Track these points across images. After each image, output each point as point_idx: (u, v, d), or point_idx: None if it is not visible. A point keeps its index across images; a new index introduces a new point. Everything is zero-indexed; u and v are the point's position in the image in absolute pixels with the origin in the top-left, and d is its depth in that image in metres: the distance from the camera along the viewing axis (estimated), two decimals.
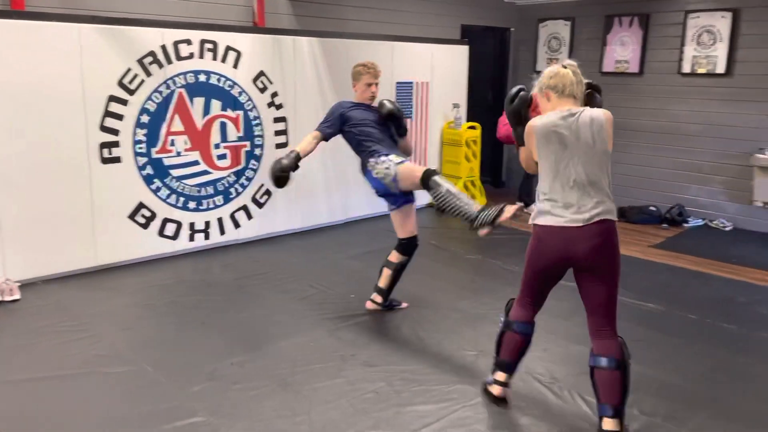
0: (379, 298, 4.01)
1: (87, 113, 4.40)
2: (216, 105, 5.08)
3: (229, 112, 5.17)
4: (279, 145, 5.53)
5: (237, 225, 5.39)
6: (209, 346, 3.48)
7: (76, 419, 2.76)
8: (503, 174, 8.35)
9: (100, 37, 4.39)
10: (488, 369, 3.27)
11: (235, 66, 5.14)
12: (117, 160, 4.60)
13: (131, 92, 4.59)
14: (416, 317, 3.92)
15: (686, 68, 6.63)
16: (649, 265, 5.21)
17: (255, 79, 5.29)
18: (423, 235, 5.88)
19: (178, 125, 4.88)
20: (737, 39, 6.29)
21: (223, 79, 5.08)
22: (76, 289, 4.27)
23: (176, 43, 4.76)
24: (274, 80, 5.41)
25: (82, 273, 4.55)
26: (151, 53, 4.65)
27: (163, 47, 4.70)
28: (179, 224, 5.01)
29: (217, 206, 5.23)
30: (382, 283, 3.97)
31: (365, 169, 3.80)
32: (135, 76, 4.58)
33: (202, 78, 4.96)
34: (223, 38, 5.04)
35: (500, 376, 2.94)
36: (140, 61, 4.60)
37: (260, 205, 5.52)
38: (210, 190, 5.15)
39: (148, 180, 4.78)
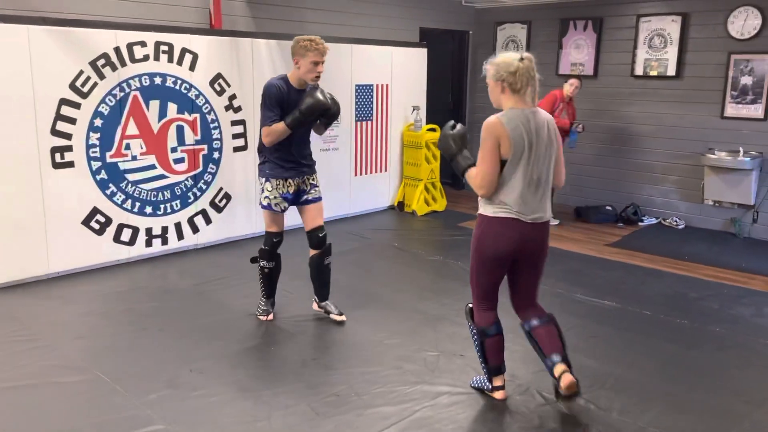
0: (316, 297, 4.00)
1: (37, 117, 4.28)
2: (172, 108, 4.99)
3: (186, 115, 5.09)
4: (237, 149, 5.48)
5: (196, 230, 5.31)
6: (167, 354, 3.42)
7: (30, 431, 2.68)
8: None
9: (50, 39, 4.27)
10: (448, 369, 3.31)
11: (192, 68, 5.07)
12: (70, 164, 4.48)
13: (84, 95, 4.48)
14: (377, 319, 3.93)
15: (639, 71, 6.82)
16: (605, 263, 5.33)
17: (212, 82, 5.22)
18: (385, 237, 5.93)
19: (133, 129, 4.78)
20: (687, 42, 6.49)
21: (179, 81, 5.00)
22: (28, 297, 4.15)
23: (130, 45, 4.67)
24: (231, 83, 5.35)
25: (34, 281, 4.41)
26: (104, 55, 4.55)
27: (117, 49, 4.60)
28: (136, 230, 4.91)
29: (174, 211, 5.14)
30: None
31: (259, 172, 3.78)
32: (87, 78, 4.48)
33: (158, 80, 4.87)
34: (179, 40, 4.96)
35: (498, 380, 3.01)
36: (93, 63, 4.49)
37: (219, 210, 5.45)
38: (167, 194, 5.07)
39: (102, 185, 4.67)
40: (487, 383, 3.04)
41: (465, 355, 3.48)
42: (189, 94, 5.08)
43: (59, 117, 4.38)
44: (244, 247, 5.43)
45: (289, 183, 3.70)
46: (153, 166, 4.95)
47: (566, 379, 2.79)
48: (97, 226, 4.68)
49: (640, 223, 6.71)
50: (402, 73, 6.79)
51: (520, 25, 7.72)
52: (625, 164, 7.09)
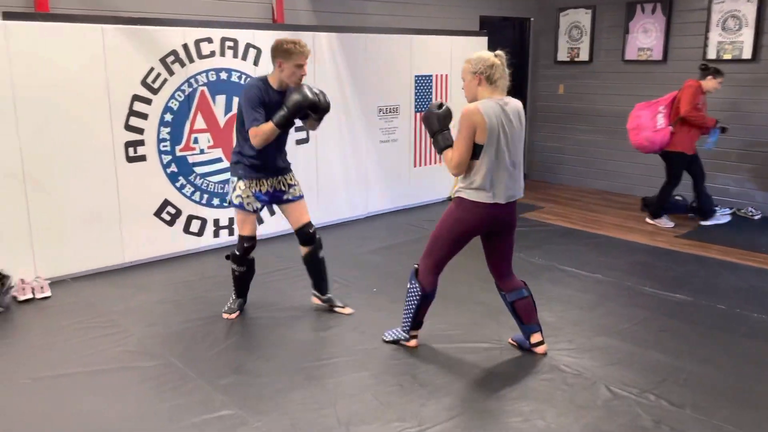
0: (316, 292, 3.98)
1: (112, 113, 4.47)
2: (237, 102, 5.11)
3: None
4: (299, 141, 5.57)
5: (260, 221, 5.43)
6: (235, 340, 3.52)
7: (107, 414, 2.82)
8: (525, 166, 8.27)
9: (123, 38, 4.45)
10: (513, 362, 3.28)
11: (256, 63, 5.18)
12: (142, 158, 4.67)
13: (155, 91, 4.65)
14: (437, 310, 3.91)
15: (711, 54, 6.51)
16: (676, 255, 5.14)
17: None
18: None
19: (200, 123, 4.94)
20: (763, 24, 6.15)
21: (244, 76, 5.12)
22: (105, 286, 4.35)
23: (197, 42, 4.81)
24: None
25: (110, 270, 4.63)
26: (173, 52, 4.70)
27: (185, 46, 4.75)
28: (204, 221, 5.07)
29: None
30: (310, 277, 3.95)
31: (232, 170, 3.68)
32: (158, 75, 4.64)
33: (224, 76, 5.00)
34: (243, 36, 5.07)
35: (416, 332, 3.43)
36: (163, 60, 4.65)
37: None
38: None
39: (172, 178, 4.85)
40: (404, 334, 3.41)
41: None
42: None
43: (132, 113, 4.57)
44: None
45: (262, 182, 3.63)
46: (220, 159, 5.09)
47: (542, 348, 3.35)
48: (168, 218, 4.86)
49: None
50: (462, 62, 6.69)
51: (584, 10, 7.50)
52: (697, 152, 6.80)
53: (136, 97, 4.57)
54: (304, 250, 3.83)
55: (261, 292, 4.27)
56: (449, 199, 6.85)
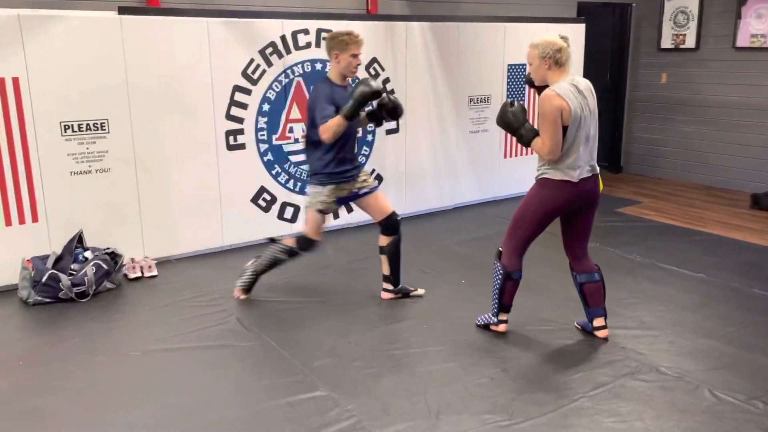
0: (389, 286, 3.94)
1: (215, 103, 4.68)
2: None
3: None
4: (389, 131, 5.60)
5: (350, 209, 5.52)
6: (327, 324, 3.61)
7: (208, 388, 2.98)
8: (622, 158, 7.96)
9: (226, 30, 4.64)
10: (608, 360, 3.18)
11: None
12: (241, 147, 4.86)
13: (254, 82, 4.82)
14: (527, 305, 3.85)
15: None
16: None
17: (368, 66, 5.37)
18: None
19: (296, 113, 5.07)
20: None
21: None
22: (206, 267, 4.58)
23: (294, 33, 4.94)
24: (386, 66, 5.47)
25: (211, 252, 4.87)
26: (272, 44, 4.85)
27: (283, 37, 4.89)
28: (297, 208, 5.22)
29: None
30: (385, 270, 3.91)
31: (313, 179, 3.70)
32: (257, 66, 4.81)
33: (318, 66, 5.11)
34: (337, 26, 5.11)
35: (504, 316, 3.45)
36: (262, 52, 4.81)
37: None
38: None
39: (269, 165, 5.02)
40: (494, 318, 3.45)
41: (626, 347, 3.31)
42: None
43: (233, 103, 4.76)
44: None
45: (343, 188, 3.71)
46: None
47: (604, 333, 3.39)
48: (264, 204, 5.04)
49: None
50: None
51: None
52: None
53: (236, 88, 4.75)
54: (387, 239, 3.84)
55: (350, 279, 4.35)
56: None
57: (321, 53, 5.09)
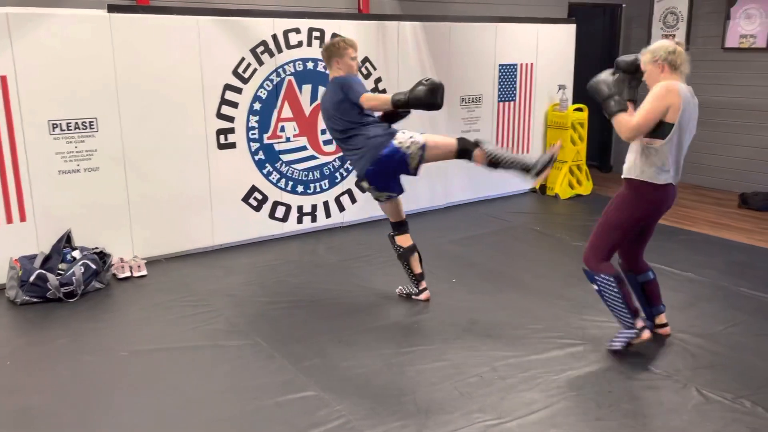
0: (423, 284, 3.94)
1: (205, 101, 4.67)
2: (322, 92, 5.19)
3: None
4: None
5: (342, 208, 5.53)
6: (318, 324, 3.61)
7: (198, 388, 2.97)
8: (611, 158, 8.00)
9: (217, 29, 4.62)
10: (596, 359, 3.19)
11: None
12: (232, 146, 4.84)
13: (245, 81, 4.81)
14: (519, 303, 3.87)
15: None
16: None
17: (360, 66, 5.37)
18: (526, 221, 5.80)
19: (287, 112, 5.07)
20: None
21: None
22: (196, 267, 4.56)
23: (286, 32, 4.93)
24: (378, 66, 5.47)
25: (201, 252, 4.85)
26: (263, 42, 4.84)
27: (274, 36, 4.88)
28: (288, 207, 5.21)
29: (323, 190, 5.39)
30: (417, 269, 3.92)
31: (383, 146, 3.59)
32: (248, 65, 4.79)
33: (310, 65, 5.10)
34: (329, 26, 5.15)
35: (640, 321, 3.19)
36: (253, 51, 4.80)
37: (364, 190, 5.62)
38: (317, 174, 5.32)
39: (260, 165, 5.01)
40: (632, 333, 3.16)
41: (614, 345, 3.33)
42: None
43: (224, 101, 4.74)
44: (386, 226, 5.55)
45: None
46: (304, 148, 5.21)
47: (666, 330, 3.41)
48: (255, 203, 5.03)
49: None
50: (548, 51, 6.54)
51: None
52: None
53: (227, 87, 4.74)
54: (408, 242, 3.92)
55: (342, 278, 4.35)
56: (533, 190, 6.73)
57: (312, 52, 5.09)
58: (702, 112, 7.32)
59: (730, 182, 6.84)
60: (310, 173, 5.28)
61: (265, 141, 5.00)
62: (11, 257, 4.03)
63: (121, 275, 4.29)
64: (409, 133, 3.67)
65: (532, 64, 6.49)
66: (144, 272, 4.36)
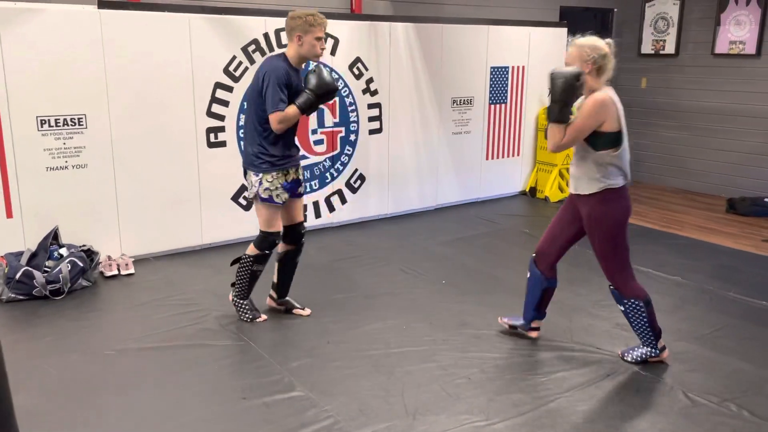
0: (274, 294, 3.77)
1: (195, 99, 4.64)
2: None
3: None
4: (372, 131, 5.60)
5: (332, 209, 5.52)
6: (307, 325, 3.60)
7: (185, 387, 2.95)
8: None
9: (208, 26, 4.60)
10: (584, 360, 3.20)
11: (333, 53, 5.24)
12: (222, 144, 4.82)
13: (236, 79, 4.78)
14: (507, 305, 3.87)
15: None
16: (762, 259, 4.87)
17: (351, 66, 5.37)
18: (516, 223, 5.81)
19: None
20: None
21: (320, 66, 5.18)
22: (184, 265, 4.54)
23: (278, 31, 4.91)
24: (369, 66, 5.46)
25: (189, 251, 4.82)
26: (255, 41, 4.82)
27: (266, 35, 4.86)
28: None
29: (313, 190, 5.38)
30: (275, 277, 3.73)
31: (253, 166, 3.35)
32: (240, 63, 4.78)
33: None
34: None
35: (661, 342, 3.15)
36: (244, 49, 4.78)
37: (354, 190, 5.62)
38: (307, 174, 5.30)
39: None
40: (654, 351, 3.14)
41: (602, 348, 3.34)
42: None
43: (214, 99, 4.72)
44: (376, 227, 5.58)
45: (288, 172, 3.42)
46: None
47: (536, 333, 3.44)
48: (244, 202, 5.01)
49: None
50: (539, 54, 6.57)
51: (672, 0, 7.16)
52: None
53: (218, 85, 4.72)
54: (286, 247, 3.62)
55: (332, 278, 4.34)
56: (522, 193, 6.75)
57: None
58: (691, 117, 7.43)
59: (719, 187, 6.91)
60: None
61: None
62: None
63: (109, 273, 4.25)
64: (264, 185, 3.34)
65: (523, 67, 6.51)
66: (132, 270, 4.32)
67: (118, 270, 4.30)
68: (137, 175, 4.50)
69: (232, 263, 3.65)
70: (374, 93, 5.55)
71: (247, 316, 3.62)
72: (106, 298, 3.97)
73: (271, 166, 3.35)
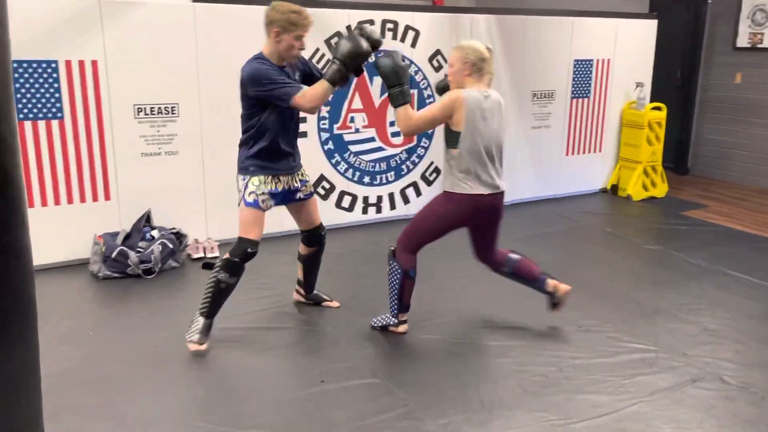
0: (301, 290, 3.74)
1: None
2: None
3: None
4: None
5: (406, 201, 5.55)
6: (380, 312, 3.63)
7: (265, 368, 3.06)
8: (689, 160, 7.68)
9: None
10: (669, 365, 3.09)
11: (413, 45, 5.25)
12: (303, 135, 4.91)
13: (319, 71, 4.87)
14: (586, 305, 3.78)
15: None
16: None
17: (431, 58, 5.36)
18: (596, 221, 5.65)
19: (357, 103, 5.12)
20: None
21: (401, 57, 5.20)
22: (266, 251, 4.58)
23: (360, 24, 4.96)
24: (449, 59, 5.43)
25: (270, 237, 4.95)
26: (337, 33, 4.90)
27: (349, 27, 4.93)
28: (354, 197, 5.27)
29: (389, 182, 5.42)
30: (300, 275, 3.70)
31: (240, 169, 3.21)
32: (322, 55, 4.87)
33: None
34: (403, 18, 5.16)
35: (404, 316, 3.37)
36: (327, 42, 4.87)
37: (429, 183, 5.63)
38: (383, 166, 5.35)
39: (329, 154, 5.08)
40: (394, 320, 3.34)
41: (688, 353, 3.22)
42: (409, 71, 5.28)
43: None
44: None
45: (278, 179, 3.21)
46: (372, 139, 5.25)
47: (564, 288, 3.43)
48: (322, 192, 5.12)
49: None
50: (626, 47, 6.34)
51: None
52: None
53: None
54: (307, 249, 3.55)
55: None
56: (603, 190, 6.56)
57: (385, 44, 5.08)
58: None
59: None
60: (377, 164, 5.32)
61: (335, 131, 5.07)
62: (95, 233, 4.25)
63: (196, 255, 4.45)
64: (249, 188, 3.17)
65: (609, 60, 6.30)
66: (217, 254, 4.51)
67: (204, 253, 4.50)
68: (224, 164, 4.64)
69: (204, 266, 3.32)
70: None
71: (192, 336, 3.12)
72: (193, 279, 4.15)
73: (258, 169, 3.14)
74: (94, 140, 4.23)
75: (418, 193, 5.58)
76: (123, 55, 4.20)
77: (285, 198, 3.30)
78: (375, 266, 4.42)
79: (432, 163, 5.58)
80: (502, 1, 6.10)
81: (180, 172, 4.54)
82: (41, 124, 4.08)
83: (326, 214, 5.12)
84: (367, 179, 5.31)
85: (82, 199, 4.27)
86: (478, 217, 3.21)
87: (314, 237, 3.51)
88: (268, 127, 3.11)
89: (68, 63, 4.06)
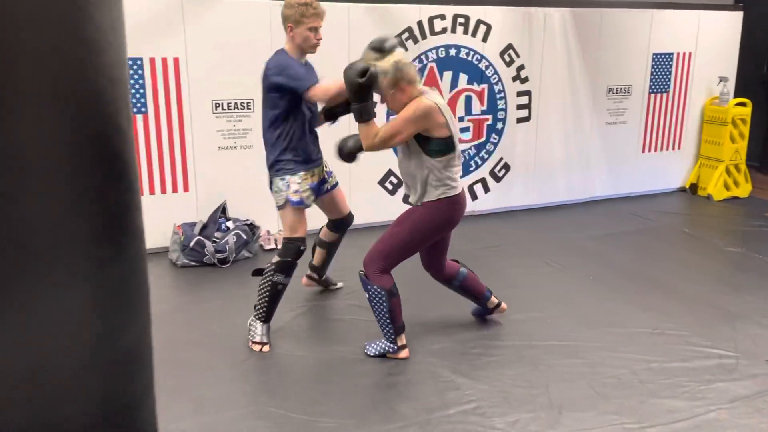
0: (314, 275, 3.81)
1: None
2: (463, 78, 5.20)
3: (475, 86, 5.26)
4: (520, 119, 5.50)
5: (474, 197, 5.51)
6: (447, 310, 3.64)
7: (333, 358, 3.13)
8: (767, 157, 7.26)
9: (366, 15, 4.76)
10: (751, 373, 2.96)
11: (484, 39, 5.20)
12: None
13: None
14: (662, 307, 3.66)
15: None
16: None
17: (502, 53, 5.30)
18: (674, 221, 5.44)
19: None
20: None
21: (471, 52, 5.17)
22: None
23: (431, 19, 4.96)
24: (521, 53, 5.35)
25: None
26: (408, 29, 4.91)
27: (419, 23, 4.93)
28: None
29: None
30: (316, 261, 3.75)
31: (277, 172, 3.18)
32: None
33: (452, 52, 5.11)
34: (475, 12, 5.12)
35: (402, 339, 3.11)
36: (398, 37, 4.89)
37: (498, 179, 5.57)
38: None
39: (395, 149, 5.10)
40: (392, 346, 3.07)
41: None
42: (479, 65, 5.24)
43: None
44: (519, 217, 5.49)
45: (314, 173, 3.25)
46: None
47: (504, 306, 3.46)
48: (390, 187, 5.16)
49: None
50: (709, 40, 6.06)
51: None
52: None
53: None
54: (333, 236, 3.63)
55: (473, 267, 4.26)
56: (681, 189, 6.30)
57: (456, 39, 5.09)
58: None
59: None
60: None
61: None
62: (175, 223, 4.44)
63: (267, 246, 4.58)
64: (292, 187, 3.19)
65: (690, 54, 6.04)
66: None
67: (276, 244, 4.62)
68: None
69: (254, 273, 3.37)
70: (524, 80, 5.44)
71: (255, 339, 3.19)
72: None
73: (296, 166, 3.15)
74: (175, 134, 4.42)
75: (487, 190, 5.53)
76: (203, 52, 4.37)
77: (318, 191, 3.34)
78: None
79: (501, 159, 5.51)
80: None
81: (254, 165, 4.65)
82: None
83: (393, 208, 5.14)
84: None
85: (163, 191, 4.48)
86: (460, 216, 3.06)
87: (343, 224, 3.62)
88: (296, 119, 3.13)
89: (152, 60, 4.26)
